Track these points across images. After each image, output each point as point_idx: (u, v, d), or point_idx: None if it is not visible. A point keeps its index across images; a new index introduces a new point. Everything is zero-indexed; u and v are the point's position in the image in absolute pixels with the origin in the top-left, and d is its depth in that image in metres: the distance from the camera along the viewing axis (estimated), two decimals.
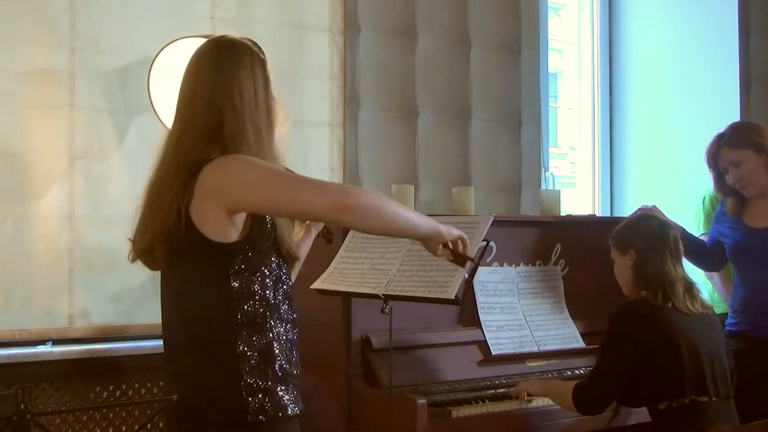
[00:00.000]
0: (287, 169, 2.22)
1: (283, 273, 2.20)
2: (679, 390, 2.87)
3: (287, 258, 2.21)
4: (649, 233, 3.05)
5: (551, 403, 3.14)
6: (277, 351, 2.13)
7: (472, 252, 2.69)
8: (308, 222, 2.48)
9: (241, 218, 2.11)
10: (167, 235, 2.08)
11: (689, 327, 2.93)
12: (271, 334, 2.13)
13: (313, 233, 2.51)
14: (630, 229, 3.12)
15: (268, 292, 2.14)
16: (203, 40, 3.37)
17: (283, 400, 2.12)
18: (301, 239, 2.45)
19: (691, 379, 2.88)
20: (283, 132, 2.24)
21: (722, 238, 3.59)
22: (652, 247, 3.02)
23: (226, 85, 2.13)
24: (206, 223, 2.07)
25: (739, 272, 3.57)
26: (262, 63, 2.20)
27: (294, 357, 2.19)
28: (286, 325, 2.18)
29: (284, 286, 2.20)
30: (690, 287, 3.01)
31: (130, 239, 2.18)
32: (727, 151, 3.51)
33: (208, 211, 2.07)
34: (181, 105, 2.18)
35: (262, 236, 2.15)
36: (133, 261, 2.20)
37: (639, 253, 3.03)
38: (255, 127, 2.14)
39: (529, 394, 3.12)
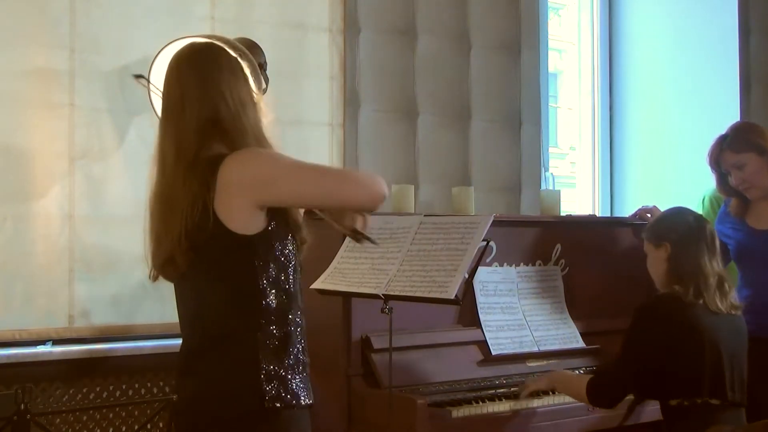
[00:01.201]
0: None
1: (298, 260, 2.23)
2: (695, 390, 2.85)
3: (299, 243, 2.24)
4: (685, 226, 3.02)
5: (552, 403, 3.14)
6: (294, 339, 2.17)
7: (471, 252, 2.70)
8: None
9: (264, 209, 2.13)
10: (191, 233, 2.08)
11: (716, 327, 2.90)
12: (289, 324, 2.16)
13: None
14: (665, 222, 3.09)
15: (289, 281, 2.17)
16: (203, 40, 3.39)
17: (298, 389, 2.15)
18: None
19: (710, 380, 2.86)
20: (268, 122, 2.26)
21: (725, 239, 3.59)
22: (689, 239, 2.98)
23: (214, 82, 2.16)
24: (232, 217, 2.09)
25: (742, 273, 3.57)
26: (237, 61, 2.25)
27: (306, 345, 2.22)
28: (301, 314, 2.21)
29: (299, 274, 2.23)
30: (722, 284, 2.96)
31: (150, 254, 2.18)
32: (729, 154, 3.51)
33: (234, 206, 2.09)
34: (171, 108, 2.19)
35: (281, 224, 2.17)
36: (155, 279, 2.21)
37: (674, 245, 2.99)
38: (250, 121, 2.18)
39: (537, 392, 3.12)
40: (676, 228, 3.03)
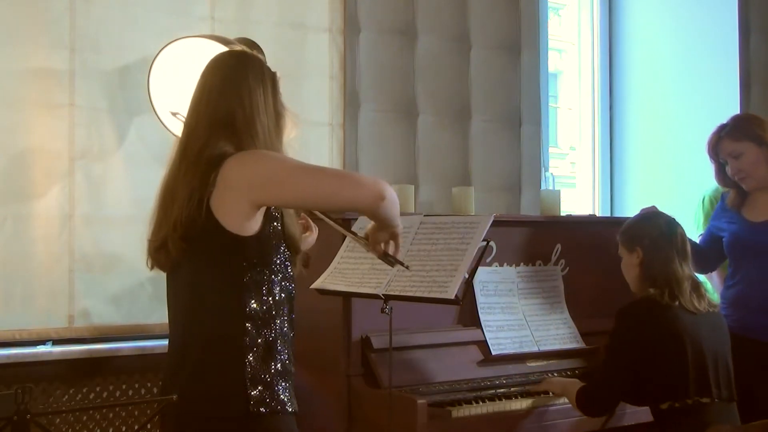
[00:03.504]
0: None
1: (289, 271, 2.23)
2: (682, 390, 2.87)
3: (292, 252, 2.25)
4: (656, 232, 3.04)
5: (551, 403, 3.14)
6: (279, 346, 2.17)
7: (471, 252, 2.70)
8: (310, 224, 2.51)
9: (260, 213, 2.15)
10: (185, 223, 2.11)
11: (695, 326, 2.93)
12: (275, 330, 2.17)
13: (315, 233, 2.53)
14: (637, 227, 3.11)
15: (275, 288, 2.18)
16: (203, 40, 3.40)
17: (284, 396, 2.16)
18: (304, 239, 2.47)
19: (695, 379, 2.88)
20: (291, 138, 2.28)
21: (720, 233, 3.57)
22: (660, 245, 3.01)
23: (235, 87, 2.19)
24: (227, 215, 2.11)
25: (733, 267, 3.54)
26: (273, 75, 2.28)
27: (292, 355, 2.23)
28: (288, 323, 2.22)
29: (289, 285, 2.23)
30: (697, 286, 3.00)
31: (148, 239, 2.20)
32: (727, 142, 3.50)
33: (230, 204, 2.10)
34: (191, 107, 2.24)
35: (274, 231, 2.18)
36: (152, 268, 2.24)
37: (646, 251, 3.02)
38: (263, 126, 2.20)
39: (552, 392, 3.14)
40: (648, 233, 3.05)
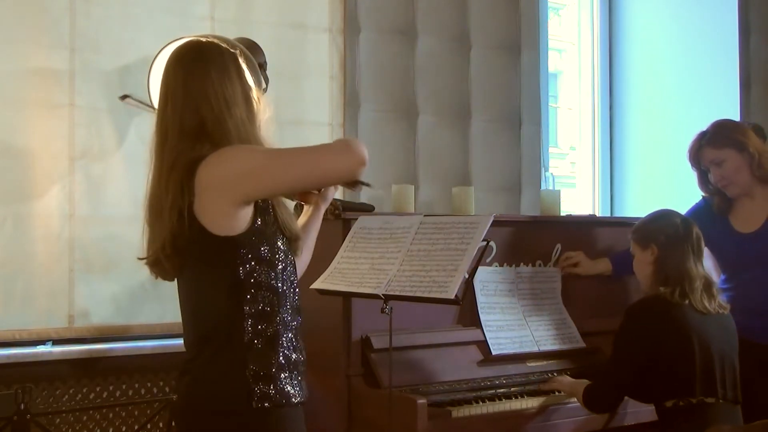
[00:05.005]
0: None
1: (290, 258, 2.21)
2: (688, 389, 2.87)
3: (291, 240, 2.23)
4: (672, 229, 3.03)
5: (552, 403, 3.14)
6: (282, 339, 2.16)
7: (471, 252, 2.70)
8: (314, 201, 2.47)
9: (248, 209, 2.12)
10: (173, 239, 2.09)
11: (704, 326, 2.92)
12: (277, 323, 2.15)
13: (323, 209, 2.49)
14: (653, 224, 3.10)
15: (275, 280, 2.16)
16: (196, 39, 3.39)
17: (287, 388, 2.15)
18: (311, 218, 2.45)
19: (701, 379, 2.88)
20: (266, 119, 2.24)
21: (709, 245, 3.55)
22: (675, 243, 3.00)
23: (198, 84, 2.14)
24: (211, 219, 2.09)
25: (728, 273, 3.53)
26: (234, 57, 2.22)
27: (299, 344, 2.21)
28: (293, 313, 2.20)
29: (291, 272, 2.22)
30: (709, 286, 2.99)
31: (141, 258, 2.20)
32: (708, 150, 3.46)
33: (213, 207, 2.08)
34: (159, 109, 2.21)
35: (266, 223, 2.17)
36: (156, 277, 2.23)
37: (661, 248, 3.01)
38: (235, 121, 2.15)
39: (561, 392, 3.16)
40: (663, 230, 3.04)
